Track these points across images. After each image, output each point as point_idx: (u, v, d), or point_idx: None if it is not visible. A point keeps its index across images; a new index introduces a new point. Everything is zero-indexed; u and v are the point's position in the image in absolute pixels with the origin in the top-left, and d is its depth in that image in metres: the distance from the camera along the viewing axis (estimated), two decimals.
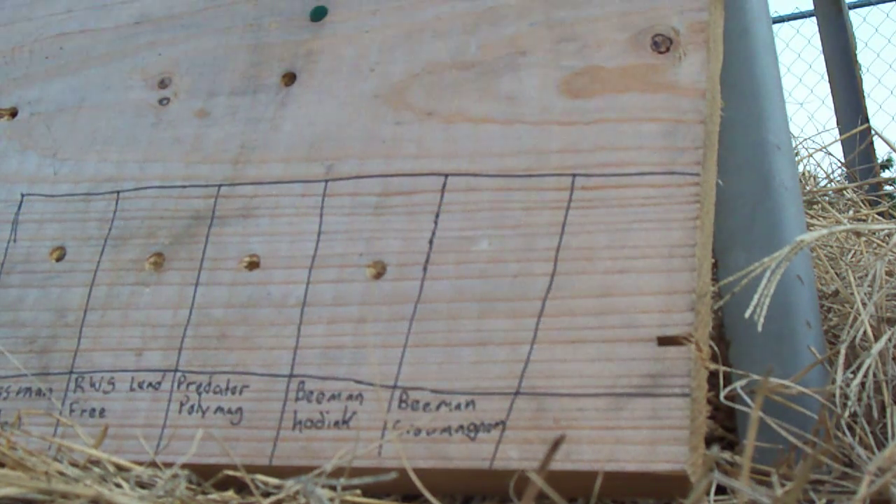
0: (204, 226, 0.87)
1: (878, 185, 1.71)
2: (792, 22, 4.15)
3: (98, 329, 0.86)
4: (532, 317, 0.73)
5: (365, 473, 0.64)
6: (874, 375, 0.78)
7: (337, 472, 0.68)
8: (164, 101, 0.96)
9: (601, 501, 0.69)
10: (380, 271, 0.79)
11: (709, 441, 0.74)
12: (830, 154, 1.72)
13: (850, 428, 0.75)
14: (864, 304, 0.84)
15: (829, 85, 1.98)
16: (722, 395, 0.76)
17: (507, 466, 0.68)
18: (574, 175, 0.77)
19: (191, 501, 0.65)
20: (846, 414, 0.74)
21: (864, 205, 1.56)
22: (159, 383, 0.82)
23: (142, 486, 0.69)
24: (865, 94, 1.94)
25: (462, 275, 0.76)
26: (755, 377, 0.78)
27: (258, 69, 0.93)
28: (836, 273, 1.09)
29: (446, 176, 0.81)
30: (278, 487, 0.65)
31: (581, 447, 0.67)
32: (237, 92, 0.93)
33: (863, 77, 1.97)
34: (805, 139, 1.82)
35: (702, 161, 0.74)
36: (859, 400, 0.76)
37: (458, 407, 0.71)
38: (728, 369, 0.80)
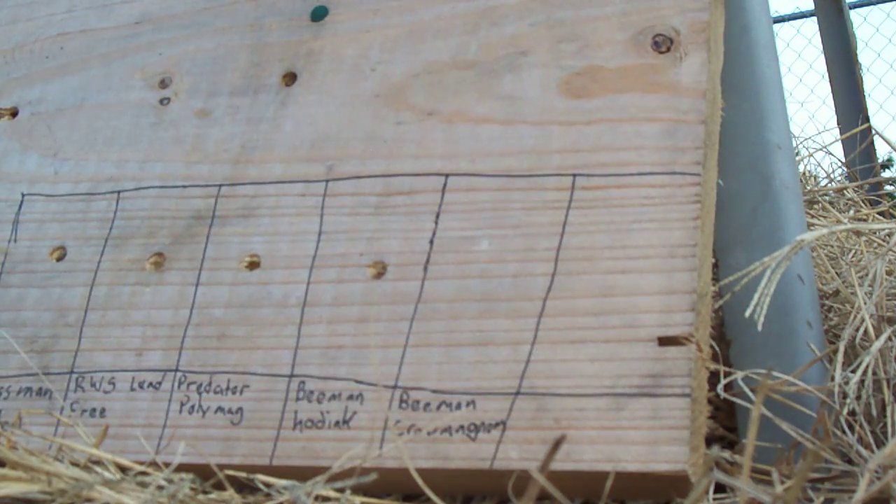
0: (204, 226, 0.87)
1: (878, 185, 1.71)
2: (792, 21, 4.15)
3: (99, 329, 0.87)
4: (532, 317, 0.73)
5: (365, 473, 0.64)
6: (874, 374, 0.78)
7: (338, 474, 0.68)
8: (164, 101, 0.96)
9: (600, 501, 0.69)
10: (380, 271, 0.79)
11: (709, 441, 0.74)
12: (831, 154, 1.71)
13: (850, 426, 0.75)
14: (865, 303, 0.84)
15: (829, 84, 1.98)
16: (719, 387, 0.76)
17: (507, 466, 0.68)
18: (574, 175, 0.77)
19: (191, 501, 0.65)
20: (845, 411, 0.74)
21: (865, 204, 1.56)
22: (160, 383, 0.82)
23: (142, 485, 0.69)
24: (866, 94, 1.93)
25: (462, 275, 0.76)
26: (752, 373, 0.78)
27: (259, 69, 0.93)
28: (837, 272, 1.09)
29: (447, 176, 0.81)
30: (269, 494, 0.65)
31: (581, 447, 0.67)
32: (238, 92, 0.93)
33: (863, 77, 1.97)
34: (806, 139, 1.82)
35: (702, 161, 0.74)
36: (858, 398, 0.76)
37: (458, 407, 0.72)
38: (729, 369, 0.80)
